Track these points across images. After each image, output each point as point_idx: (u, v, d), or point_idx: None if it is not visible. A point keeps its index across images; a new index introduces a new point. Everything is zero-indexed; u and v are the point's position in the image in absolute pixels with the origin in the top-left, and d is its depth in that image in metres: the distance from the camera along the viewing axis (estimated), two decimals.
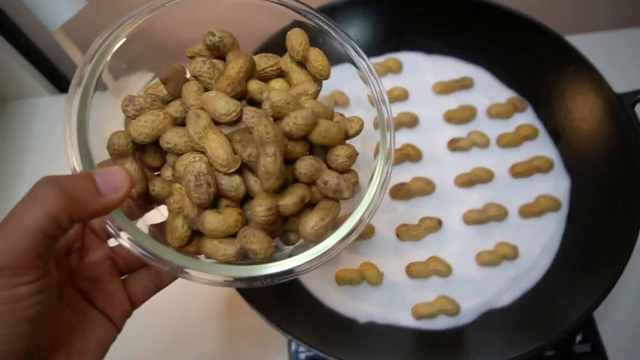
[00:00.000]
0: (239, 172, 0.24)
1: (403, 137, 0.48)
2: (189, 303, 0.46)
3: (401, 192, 0.45)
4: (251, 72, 0.27)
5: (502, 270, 0.43)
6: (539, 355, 0.41)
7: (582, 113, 0.47)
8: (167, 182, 0.25)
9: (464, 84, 0.50)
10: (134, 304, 0.28)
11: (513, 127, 0.48)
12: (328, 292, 0.42)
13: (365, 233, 0.44)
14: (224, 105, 0.24)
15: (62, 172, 0.22)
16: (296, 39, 0.27)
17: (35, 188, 0.20)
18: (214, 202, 0.24)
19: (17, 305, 0.19)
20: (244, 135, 0.24)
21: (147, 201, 0.26)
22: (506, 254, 0.43)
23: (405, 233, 0.43)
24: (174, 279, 0.29)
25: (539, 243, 0.44)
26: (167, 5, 0.26)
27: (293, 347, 0.44)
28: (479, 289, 0.42)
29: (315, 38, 0.29)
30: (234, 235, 0.25)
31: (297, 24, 0.28)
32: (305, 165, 0.25)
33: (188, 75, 0.27)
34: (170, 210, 0.25)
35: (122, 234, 0.23)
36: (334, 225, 0.26)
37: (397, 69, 0.50)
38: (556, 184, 0.46)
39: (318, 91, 0.28)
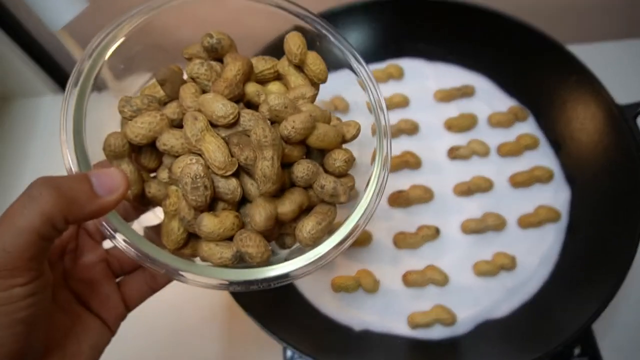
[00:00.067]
0: (235, 174, 0.24)
1: (403, 144, 0.48)
2: (185, 306, 0.46)
3: (399, 200, 0.45)
4: (249, 75, 0.27)
5: (499, 281, 0.43)
6: None
7: (583, 124, 0.47)
8: (163, 184, 0.26)
9: (465, 92, 0.50)
10: (129, 307, 0.28)
11: (514, 136, 0.49)
12: (324, 298, 0.42)
13: (362, 240, 0.44)
14: (221, 107, 0.24)
15: (64, 170, 0.22)
16: (294, 42, 0.28)
17: (30, 188, 0.20)
18: (211, 204, 0.24)
19: (11, 307, 0.19)
20: (241, 138, 0.24)
21: (143, 203, 0.26)
22: (504, 265, 0.43)
23: (402, 241, 0.43)
24: (169, 281, 0.29)
25: (537, 254, 0.44)
26: (164, 6, 0.27)
27: (288, 353, 0.44)
28: (476, 299, 0.42)
29: (314, 43, 0.29)
30: (230, 239, 0.25)
31: (296, 28, 0.29)
32: (302, 169, 0.25)
33: (185, 77, 0.27)
34: (166, 213, 0.26)
35: (118, 235, 0.23)
36: (330, 230, 0.26)
37: (399, 75, 0.51)
38: (556, 195, 0.46)
39: (315, 95, 0.28)
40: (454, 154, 0.47)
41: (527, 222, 0.45)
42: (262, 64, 0.28)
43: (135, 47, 0.26)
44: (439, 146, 0.48)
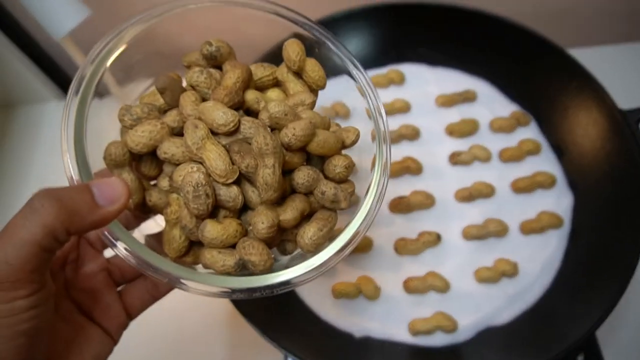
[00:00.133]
0: (237, 182, 0.25)
1: (404, 150, 0.48)
2: (186, 314, 0.47)
3: (400, 206, 0.45)
4: (248, 82, 0.27)
5: (501, 288, 0.43)
6: None
7: (585, 129, 0.47)
8: (164, 192, 0.26)
9: (467, 97, 0.51)
10: (131, 316, 0.28)
11: (516, 142, 0.49)
12: (324, 305, 0.43)
13: (363, 246, 0.44)
14: (221, 115, 0.24)
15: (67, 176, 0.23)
16: (293, 49, 0.28)
17: (32, 200, 0.20)
18: (212, 212, 0.25)
19: (13, 319, 0.19)
20: (242, 145, 0.25)
21: (144, 211, 0.27)
22: (505, 271, 0.43)
23: (403, 247, 0.44)
24: (171, 289, 0.29)
25: (539, 260, 0.44)
26: (165, 15, 0.27)
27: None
28: (477, 306, 0.42)
29: (312, 50, 0.29)
30: (232, 246, 0.25)
31: (295, 35, 0.29)
32: (302, 176, 0.26)
33: (185, 85, 0.27)
34: (167, 221, 0.26)
35: (119, 244, 0.23)
36: (331, 236, 0.26)
37: (400, 80, 0.51)
38: (558, 201, 0.46)
39: (314, 101, 0.28)
40: (455, 159, 0.48)
41: (529, 228, 0.45)
42: (261, 71, 0.29)
43: (135, 56, 0.27)
44: (440, 152, 0.49)
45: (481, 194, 0.46)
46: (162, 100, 0.27)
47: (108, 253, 0.28)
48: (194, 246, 0.26)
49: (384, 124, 0.29)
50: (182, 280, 0.24)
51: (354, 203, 0.28)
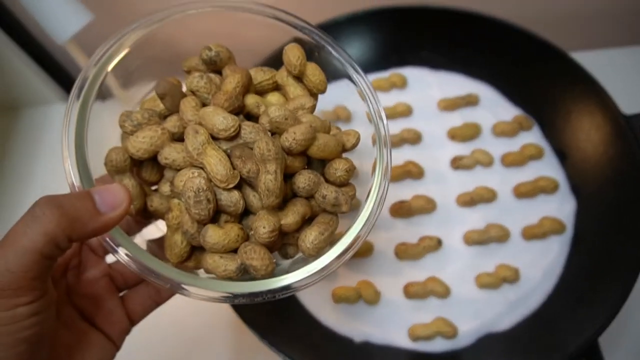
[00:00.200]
0: (238, 187, 0.25)
1: (405, 154, 0.49)
2: (188, 319, 0.47)
3: (401, 210, 0.46)
4: (248, 87, 0.28)
5: (502, 293, 0.43)
6: None
7: (588, 134, 0.48)
8: (165, 198, 0.26)
9: (469, 101, 0.51)
10: (133, 321, 0.29)
11: (518, 146, 0.49)
12: (324, 309, 0.43)
13: (363, 251, 0.45)
14: (222, 120, 0.25)
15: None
16: (293, 53, 0.28)
17: (33, 208, 0.20)
18: (213, 217, 0.25)
19: (15, 326, 0.20)
20: (244, 150, 0.25)
21: (145, 217, 0.27)
22: (506, 277, 0.43)
23: (404, 252, 0.44)
24: (173, 295, 0.29)
25: (541, 266, 0.44)
26: (166, 20, 0.27)
27: None
28: (478, 312, 0.43)
29: (312, 54, 0.30)
30: (234, 251, 0.25)
31: (295, 39, 0.29)
32: (303, 180, 0.26)
33: (185, 90, 0.27)
34: (169, 226, 0.26)
35: (120, 250, 0.24)
36: (332, 240, 0.27)
37: (402, 84, 0.52)
38: (561, 206, 0.47)
39: (314, 105, 0.29)
40: (457, 163, 0.48)
41: (531, 234, 0.45)
42: (260, 75, 0.29)
43: (136, 61, 0.27)
44: (442, 156, 0.49)
45: (483, 198, 0.47)
46: (162, 106, 0.27)
47: (110, 259, 0.29)
48: (195, 251, 0.27)
49: (384, 127, 0.29)
50: (184, 286, 0.24)
51: (355, 207, 0.28)
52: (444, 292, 0.43)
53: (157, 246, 0.28)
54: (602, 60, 0.54)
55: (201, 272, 0.26)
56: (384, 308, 0.43)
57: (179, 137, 0.26)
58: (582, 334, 0.39)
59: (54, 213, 0.20)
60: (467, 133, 0.49)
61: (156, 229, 0.29)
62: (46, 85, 0.58)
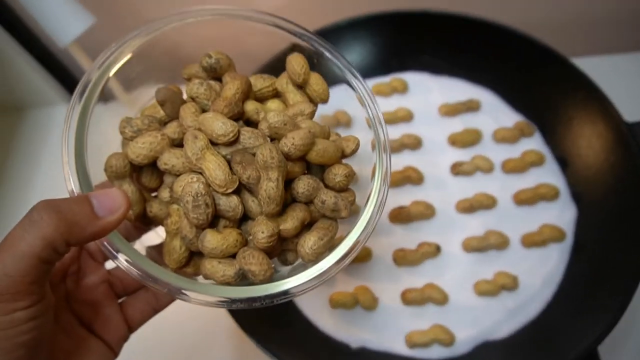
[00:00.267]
0: (236, 192, 0.26)
1: (405, 159, 0.49)
2: (186, 325, 0.48)
3: (400, 216, 0.46)
4: (247, 93, 0.28)
5: (500, 301, 0.44)
6: None
7: (590, 141, 0.48)
8: (165, 203, 0.27)
9: (470, 106, 0.52)
10: (131, 328, 0.29)
11: (519, 152, 0.49)
12: (321, 314, 0.44)
13: (361, 256, 0.45)
14: (221, 126, 0.25)
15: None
16: (297, 62, 0.29)
17: (31, 212, 0.21)
18: (212, 222, 0.25)
19: (13, 331, 0.20)
20: (244, 156, 0.25)
21: (145, 222, 0.27)
22: (505, 284, 0.44)
23: (402, 258, 0.45)
24: (172, 301, 0.30)
25: (540, 274, 0.45)
26: (167, 27, 0.28)
27: None
28: (476, 320, 0.43)
29: (312, 61, 0.30)
30: (232, 256, 0.26)
31: (294, 46, 0.30)
32: (303, 185, 0.26)
33: (185, 97, 0.28)
34: (168, 232, 0.27)
35: (120, 255, 0.24)
36: (331, 246, 0.27)
37: (403, 89, 0.52)
38: (561, 213, 0.47)
39: (314, 111, 0.29)
40: (457, 169, 0.49)
41: (531, 241, 0.46)
42: (260, 82, 0.30)
43: (136, 68, 0.28)
44: (442, 161, 0.50)
45: (482, 205, 0.47)
46: (162, 112, 0.28)
47: (109, 265, 0.29)
48: (194, 257, 0.27)
49: (384, 133, 0.29)
50: (183, 291, 0.25)
51: (354, 212, 0.28)
52: (442, 299, 0.43)
53: (157, 252, 0.28)
54: (605, 67, 0.54)
55: (200, 277, 0.27)
56: (381, 314, 0.43)
57: (178, 143, 0.27)
58: (581, 342, 0.39)
59: (52, 217, 0.20)
60: (467, 139, 0.50)
61: (156, 236, 0.29)
62: (50, 86, 0.59)
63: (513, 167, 0.49)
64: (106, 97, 0.27)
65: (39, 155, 0.60)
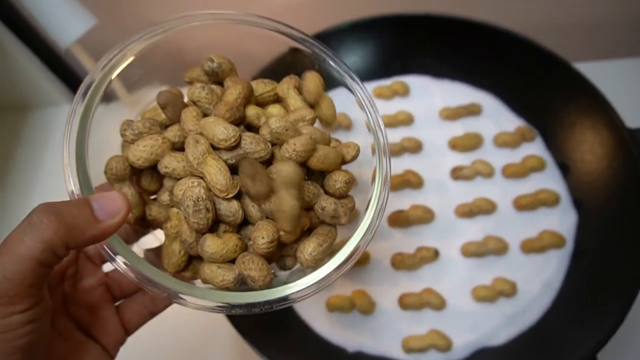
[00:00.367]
0: (237, 197, 0.26)
1: (405, 163, 0.50)
2: (183, 329, 0.48)
3: (399, 220, 0.47)
4: (249, 98, 0.29)
5: (498, 307, 0.44)
6: None
7: (592, 147, 0.48)
8: (164, 207, 0.27)
9: (472, 110, 0.52)
10: (128, 331, 0.29)
11: (520, 157, 0.50)
12: (318, 318, 0.44)
13: (359, 260, 0.45)
14: (222, 130, 0.26)
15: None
16: (314, 82, 0.30)
17: (31, 215, 0.21)
18: (212, 227, 0.26)
19: (10, 334, 0.20)
20: (257, 170, 0.25)
21: (144, 225, 0.28)
22: (503, 290, 0.44)
23: (400, 262, 0.45)
24: (169, 305, 0.30)
25: (539, 280, 0.45)
26: (169, 31, 0.29)
27: None
28: (473, 325, 0.43)
29: (312, 65, 0.31)
30: (232, 261, 0.26)
31: (294, 50, 0.31)
32: (303, 191, 0.27)
33: (186, 100, 0.29)
34: (167, 235, 0.27)
35: (118, 258, 0.25)
36: (331, 251, 0.28)
37: (404, 92, 0.53)
38: (562, 220, 0.47)
39: (315, 117, 0.30)
40: (457, 174, 0.49)
41: (530, 247, 0.46)
42: (261, 87, 0.30)
43: (138, 71, 0.28)
44: (442, 165, 0.50)
45: (482, 210, 0.48)
46: (163, 116, 0.28)
47: (107, 267, 0.29)
48: (193, 261, 0.28)
49: (383, 137, 0.30)
50: (181, 295, 0.25)
51: (353, 218, 0.29)
52: (439, 304, 0.44)
53: (155, 255, 0.28)
54: (607, 71, 0.54)
55: (198, 282, 0.27)
56: (378, 318, 0.44)
57: (179, 147, 0.27)
58: (580, 349, 0.40)
59: (52, 220, 0.21)
60: (468, 143, 0.50)
61: (154, 239, 0.30)
62: (54, 86, 0.60)
63: (513, 172, 0.49)
64: (108, 98, 0.28)
65: (42, 154, 0.61)
